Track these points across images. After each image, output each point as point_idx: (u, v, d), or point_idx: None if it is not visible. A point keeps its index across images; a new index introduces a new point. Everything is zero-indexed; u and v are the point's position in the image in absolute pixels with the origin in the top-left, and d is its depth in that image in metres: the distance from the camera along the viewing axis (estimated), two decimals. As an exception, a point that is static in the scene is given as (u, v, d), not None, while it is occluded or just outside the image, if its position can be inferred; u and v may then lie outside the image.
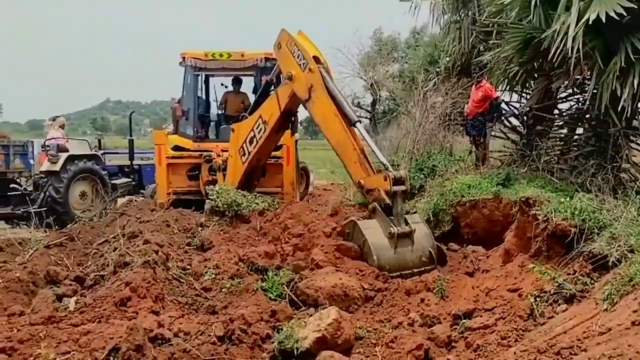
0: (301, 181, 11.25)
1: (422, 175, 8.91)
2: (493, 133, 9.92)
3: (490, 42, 9.12)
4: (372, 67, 26.76)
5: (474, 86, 9.51)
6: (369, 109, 29.36)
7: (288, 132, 9.25)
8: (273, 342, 3.92)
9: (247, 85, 10.39)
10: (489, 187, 6.77)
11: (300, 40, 7.35)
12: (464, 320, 4.33)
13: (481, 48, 10.41)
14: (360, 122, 6.67)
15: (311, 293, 4.78)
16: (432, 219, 6.97)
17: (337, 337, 3.91)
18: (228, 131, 9.09)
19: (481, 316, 4.39)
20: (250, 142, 8.04)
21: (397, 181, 5.88)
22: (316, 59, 7.06)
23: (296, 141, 9.75)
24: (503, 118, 9.92)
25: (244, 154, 8.13)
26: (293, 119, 8.51)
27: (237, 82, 10.35)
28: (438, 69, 12.71)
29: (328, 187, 14.52)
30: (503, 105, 9.67)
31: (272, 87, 8.64)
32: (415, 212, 6.77)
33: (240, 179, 8.09)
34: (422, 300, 4.80)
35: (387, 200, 5.83)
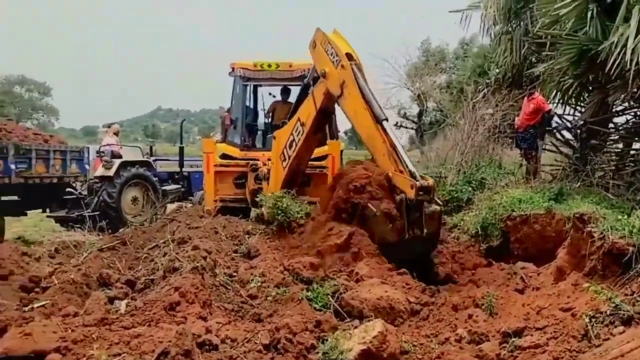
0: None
1: (470, 188, 8.76)
2: (544, 146, 9.68)
3: (543, 53, 8.92)
4: (419, 77, 26.57)
5: (525, 98, 9.31)
6: (415, 119, 29.13)
7: (334, 142, 9.28)
8: (318, 353, 3.91)
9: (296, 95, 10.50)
10: (541, 202, 6.59)
11: (334, 38, 7.42)
12: (513, 339, 4.21)
13: (533, 60, 10.20)
14: (387, 120, 6.59)
15: (356, 304, 4.75)
16: (480, 233, 6.84)
17: (382, 350, 3.86)
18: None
19: (532, 335, 4.25)
20: (290, 146, 8.08)
21: (425, 190, 5.83)
22: (349, 56, 7.09)
23: (341, 151, 9.75)
24: (555, 131, 9.67)
25: (284, 159, 8.18)
26: (329, 121, 8.54)
27: (285, 91, 10.46)
28: (488, 80, 12.53)
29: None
30: (555, 118, 9.43)
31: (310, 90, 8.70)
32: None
33: (282, 185, 8.12)
34: (470, 316, 4.70)
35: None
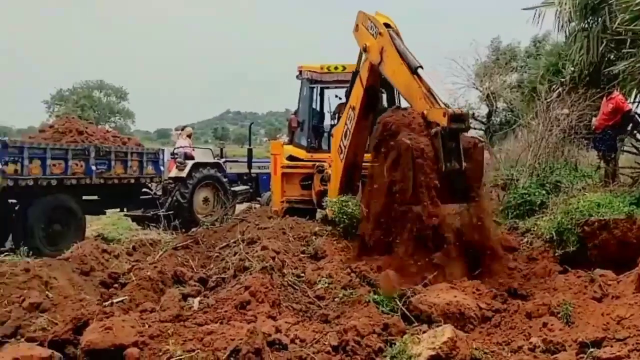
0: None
1: (543, 191, 8.42)
2: (624, 148, 9.19)
3: (623, 51, 8.48)
4: (489, 77, 25.79)
5: (604, 98, 8.87)
6: (484, 120, 28.35)
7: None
8: (386, 357, 3.90)
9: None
10: (621, 207, 6.25)
11: (373, 15, 7.42)
12: (591, 349, 4.01)
13: (612, 57, 9.71)
14: (422, 67, 6.48)
15: (425, 309, 4.69)
16: (555, 238, 6.56)
17: (452, 356, 3.80)
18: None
19: (612, 346, 4.04)
20: (345, 137, 8.05)
21: (457, 118, 5.66)
22: (387, 25, 7.09)
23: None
24: (635, 132, 9.15)
25: (341, 152, 8.14)
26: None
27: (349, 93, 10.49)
28: (562, 79, 12.00)
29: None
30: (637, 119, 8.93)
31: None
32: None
33: (341, 179, 8.07)
34: (545, 324, 4.52)
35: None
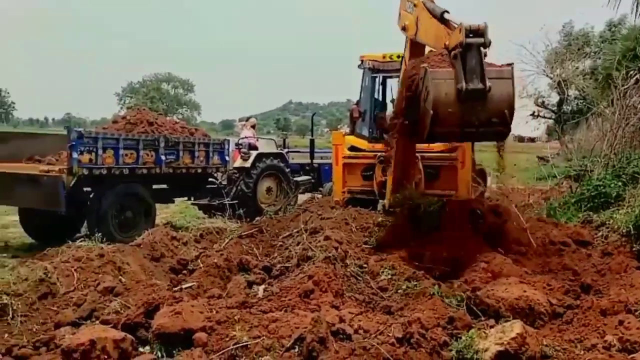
0: (478, 185, 10.83)
1: (619, 183, 8.00)
2: None
3: None
4: (560, 63, 24.75)
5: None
6: (555, 108, 27.21)
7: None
8: (451, 350, 3.82)
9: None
10: None
11: None
12: (672, 350, 3.79)
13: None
14: (447, 12, 5.90)
15: (492, 303, 4.56)
16: (632, 232, 6.22)
17: (521, 352, 3.67)
18: (402, 132, 9.04)
19: (694, 347, 3.80)
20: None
21: (475, 32, 5.17)
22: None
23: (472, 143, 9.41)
24: None
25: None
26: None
27: None
28: (640, 65, 11.32)
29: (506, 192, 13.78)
30: None
31: None
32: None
33: (394, 165, 7.67)
34: (621, 322, 4.28)
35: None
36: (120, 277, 5.47)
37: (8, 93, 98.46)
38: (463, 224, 6.55)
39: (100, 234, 7.07)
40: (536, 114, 29.13)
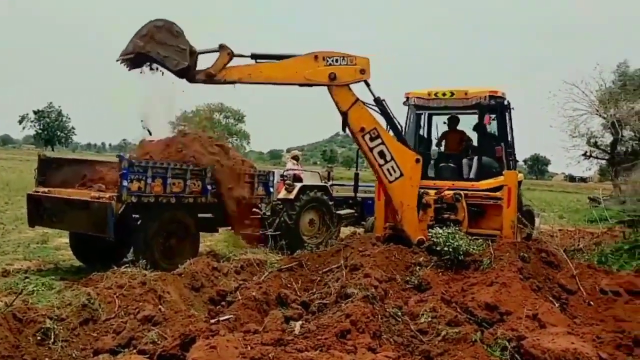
0: (524, 226, 10.51)
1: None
2: None
3: None
4: (614, 103, 24.06)
5: None
6: (608, 149, 26.33)
7: (511, 172, 8.86)
8: (492, 402, 3.67)
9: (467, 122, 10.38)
10: None
11: None
12: None
13: None
14: None
15: (537, 354, 4.35)
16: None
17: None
18: (447, 170, 8.93)
19: None
20: None
21: None
22: None
23: (519, 182, 9.19)
24: None
25: None
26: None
27: (452, 120, 10.42)
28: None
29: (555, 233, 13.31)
30: None
31: None
32: None
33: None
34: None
35: None
36: (160, 305, 5.53)
37: (69, 118, 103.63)
38: (509, 268, 6.36)
39: (145, 260, 7.20)
40: (588, 154, 28.29)
